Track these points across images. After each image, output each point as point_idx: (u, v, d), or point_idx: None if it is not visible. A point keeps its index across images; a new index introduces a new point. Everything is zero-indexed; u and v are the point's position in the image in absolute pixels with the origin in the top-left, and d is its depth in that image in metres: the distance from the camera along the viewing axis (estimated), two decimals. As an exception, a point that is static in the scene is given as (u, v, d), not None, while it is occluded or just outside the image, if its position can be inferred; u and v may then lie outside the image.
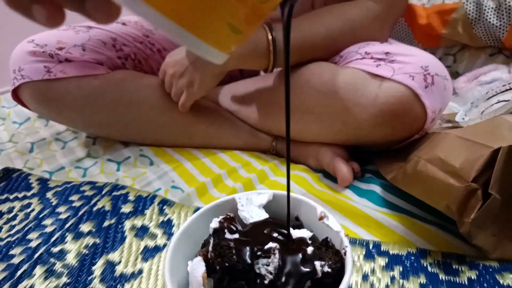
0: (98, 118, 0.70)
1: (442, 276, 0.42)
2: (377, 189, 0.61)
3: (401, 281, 0.42)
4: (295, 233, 0.35)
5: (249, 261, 0.30)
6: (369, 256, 0.46)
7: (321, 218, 0.36)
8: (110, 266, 0.46)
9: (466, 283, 0.41)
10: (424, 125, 0.57)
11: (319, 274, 0.31)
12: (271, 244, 0.32)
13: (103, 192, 0.56)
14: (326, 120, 0.63)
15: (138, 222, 0.52)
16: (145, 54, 0.78)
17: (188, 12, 0.20)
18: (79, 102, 0.68)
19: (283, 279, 0.30)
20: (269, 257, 0.31)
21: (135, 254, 0.48)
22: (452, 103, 0.81)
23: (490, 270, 0.43)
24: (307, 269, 0.31)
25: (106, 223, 0.51)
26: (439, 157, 0.47)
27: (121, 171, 0.69)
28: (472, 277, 0.42)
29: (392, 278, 0.43)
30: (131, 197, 0.56)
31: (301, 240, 0.34)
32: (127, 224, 0.51)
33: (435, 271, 0.43)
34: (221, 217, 0.34)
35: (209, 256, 0.30)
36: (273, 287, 0.30)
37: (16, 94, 0.70)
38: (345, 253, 0.32)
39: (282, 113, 0.68)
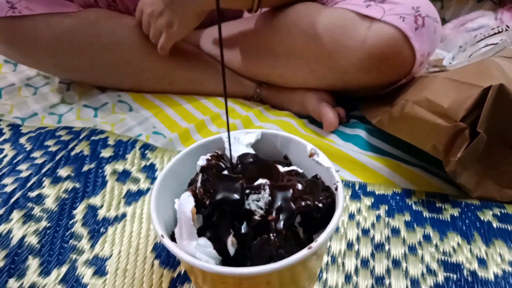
0: (71, 61, 0.66)
1: (426, 214, 0.43)
2: (362, 133, 0.60)
3: (386, 219, 0.43)
4: (284, 170, 0.34)
5: (239, 196, 0.29)
6: (355, 196, 0.46)
7: (311, 155, 0.35)
8: (92, 210, 0.45)
9: (449, 219, 0.42)
10: (412, 69, 0.56)
11: (310, 208, 0.30)
12: (261, 181, 0.31)
13: (81, 137, 0.54)
14: (312, 64, 0.61)
15: (119, 166, 0.50)
16: (120, -8, 0.73)
17: None
18: (49, 44, 0.63)
19: (274, 214, 0.29)
20: (260, 193, 0.30)
21: (118, 198, 0.47)
22: (438, 50, 0.80)
23: (472, 207, 0.44)
24: (298, 204, 0.30)
25: (85, 168, 0.49)
26: (427, 99, 0.47)
27: (99, 117, 0.66)
28: (455, 214, 0.43)
29: (378, 217, 0.43)
30: (110, 141, 0.54)
31: (291, 171, 0.33)
32: (108, 169, 0.50)
33: (419, 209, 0.44)
34: (208, 154, 0.33)
35: (197, 192, 0.29)
36: (264, 222, 0.29)
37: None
38: (336, 189, 0.31)
39: (267, 58, 0.67)
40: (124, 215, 0.45)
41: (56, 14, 0.62)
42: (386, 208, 0.44)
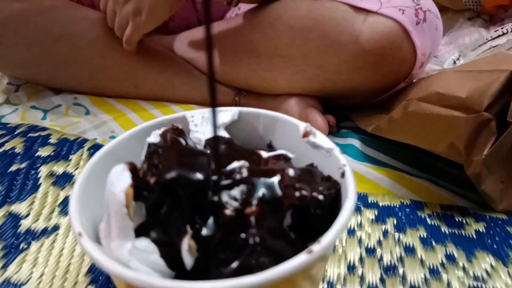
0: (19, 53, 0.56)
1: (444, 229, 0.34)
2: (356, 143, 0.52)
3: (396, 234, 0.34)
4: (269, 154, 0.25)
5: (202, 175, 0.19)
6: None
7: (306, 135, 0.26)
8: (13, 219, 0.34)
9: (474, 236, 0.33)
10: (412, 70, 0.50)
11: (306, 202, 0.21)
12: (236, 163, 0.22)
13: (16, 133, 0.44)
14: (299, 64, 0.54)
15: (59, 168, 0.40)
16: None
17: None
18: (-7, 31, 0.54)
19: (254, 206, 0.20)
20: (234, 179, 0.21)
21: (51, 206, 0.36)
22: (431, 64, 0.75)
23: (499, 222, 0.35)
24: (289, 195, 0.21)
25: (13, 167, 0.39)
26: (436, 93, 0.39)
27: (48, 119, 0.55)
28: (480, 230, 0.34)
29: (385, 232, 0.34)
30: (52, 140, 0.43)
31: (279, 156, 0.24)
32: (43, 170, 0.39)
33: (436, 224, 0.35)
34: (163, 128, 0.24)
35: (139, 167, 0.19)
36: (239, 218, 0.20)
37: None
38: (342, 175, 0.22)
39: (248, 59, 0.59)
40: (56, 228, 0.34)
41: (4, -3, 0.53)
42: (395, 221, 0.35)
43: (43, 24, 0.55)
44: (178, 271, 0.19)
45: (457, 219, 0.36)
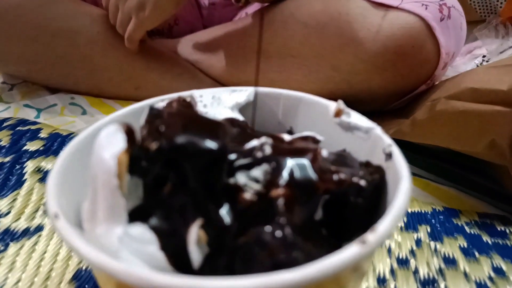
0: (15, 48, 0.53)
1: (486, 239, 0.30)
2: (374, 149, 0.48)
3: (432, 243, 0.29)
4: (293, 137, 0.21)
5: (218, 145, 0.15)
6: (380, 213, 0.32)
7: (338, 114, 0.22)
8: (-10, 217, 0.30)
9: (523, 247, 0.29)
10: (435, 71, 0.46)
11: (345, 188, 0.17)
12: (256, 141, 0.18)
13: (3, 125, 0.39)
14: (312, 64, 0.50)
15: (47, 164, 0.35)
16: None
17: None
18: (-12, 23, 0.51)
19: (282, 188, 0.15)
20: (254, 157, 0.17)
21: (35, 204, 0.31)
22: (448, 73, 0.71)
23: (549, 233, 0.31)
24: (324, 178, 0.16)
25: (-4, 161, 0.35)
26: (470, 88, 0.35)
27: (42, 118, 0.51)
28: (529, 241, 0.30)
29: (418, 241, 0.29)
30: (43, 134, 0.39)
31: (306, 137, 0.20)
32: (30, 165, 0.35)
33: (475, 233, 0.30)
34: (168, 99, 0.20)
35: (138, 137, 0.15)
36: (262, 204, 0.15)
37: None
38: (389, 156, 0.18)
39: (254, 61, 0.56)
40: (39, 229, 0.30)
41: (0, -12, 0.50)
42: (428, 229, 0.31)
43: (42, 18, 0.52)
44: (182, 269, 0.14)
45: (499, 228, 0.31)
